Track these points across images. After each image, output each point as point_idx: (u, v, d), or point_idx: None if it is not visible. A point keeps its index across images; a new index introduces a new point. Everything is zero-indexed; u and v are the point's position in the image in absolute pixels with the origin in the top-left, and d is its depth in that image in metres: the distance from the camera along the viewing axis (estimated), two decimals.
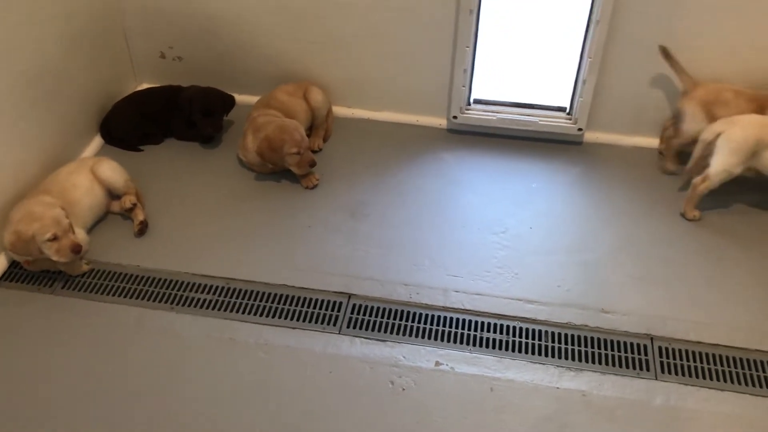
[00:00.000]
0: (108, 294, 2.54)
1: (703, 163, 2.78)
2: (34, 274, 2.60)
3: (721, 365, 2.30)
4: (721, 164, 2.72)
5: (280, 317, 2.46)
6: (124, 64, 3.41)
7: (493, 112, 3.21)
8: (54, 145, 2.88)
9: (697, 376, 2.27)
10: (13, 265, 2.63)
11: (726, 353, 2.34)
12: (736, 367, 2.30)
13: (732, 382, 2.26)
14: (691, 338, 2.38)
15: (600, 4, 2.80)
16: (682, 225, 2.83)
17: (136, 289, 2.55)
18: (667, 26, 2.89)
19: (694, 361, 2.32)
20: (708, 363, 2.31)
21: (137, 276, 2.60)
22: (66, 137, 2.98)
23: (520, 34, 3.04)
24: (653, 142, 3.21)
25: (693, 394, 2.22)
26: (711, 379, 2.27)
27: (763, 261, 2.67)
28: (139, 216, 2.77)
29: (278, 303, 2.51)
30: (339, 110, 3.40)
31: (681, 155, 3.02)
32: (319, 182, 3.00)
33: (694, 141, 2.86)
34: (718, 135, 2.72)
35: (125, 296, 2.53)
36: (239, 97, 3.31)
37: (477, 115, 3.21)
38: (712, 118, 2.83)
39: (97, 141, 3.20)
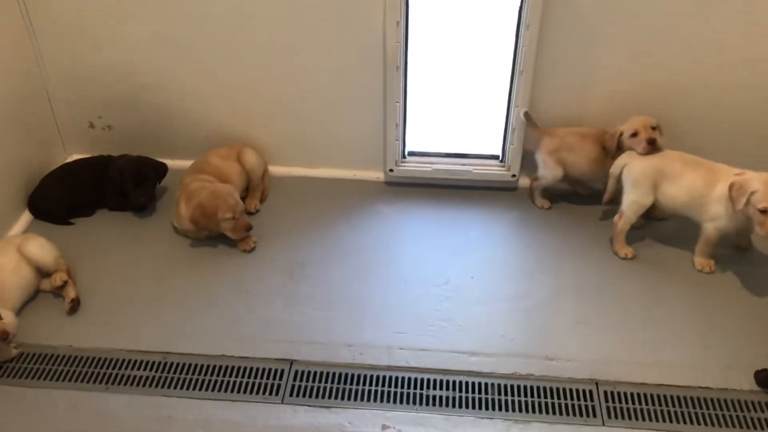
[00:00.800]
0: (39, 378, 2.42)
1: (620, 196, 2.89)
2: None
3: (667, 405, 2.31)
4: (629, 197, 2.84)
5: (219, 390, 2.38)
6: (52, 136, 3.34)
7: (428, 163, 3.23)
8: None
9: (643, 419, 2.27)
10: None
11: (671, 392, 2.34)
12: (681, 407, 2.31)
13: (678, 422, 2.26)
14: (635, 380, 2.39)
15: (522, 55, 2.87)
16: (617, 264, 2.87)
17: (68, 371, 2.45)
18: (587, 72, 2.98)
19: (640, 403, 2.32)
20: (653, 404, 2.32)
21: (69, 357, 2.50)
22: None
23: (449, 86, 3.08)
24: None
25: None
26: (657, 420, 2.27)
27: (700, 292, 2.72)
28: (71, 293, 2.67)
29: (217, 375, 2.43)
30: (275, 169, 3.38)
31: (547, 192, 3.20)
32: (256, 245, 2.96)
33: (555, 182, 3.09)
34: (622, 168, 2.82)
35: (57, 379, 2.42)
36: (172, 163, 3.26)
37: (412, 167, 3.23)
38: (563, 164, 3.02)
39: (26, 216, 3.11)
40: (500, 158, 3.23)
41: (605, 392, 2.36)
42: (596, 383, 2.39)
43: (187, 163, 3.20)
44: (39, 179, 3.15)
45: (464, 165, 3.21)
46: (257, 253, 2.95)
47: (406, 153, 3.25)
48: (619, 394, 2.35)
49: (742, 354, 2.46)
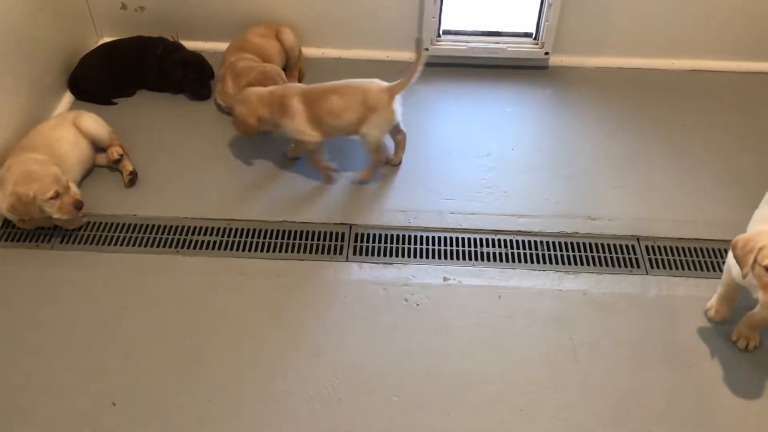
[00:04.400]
0: (110, 244, 2.54)
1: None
2: (30, 231, 2.57)
3: (703, 256, 2.50)
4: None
5: (286, 251, 2.51)
6: (84, 18, 3.32)
7: (463, 42, 3.29)
8: (24, 107, 2.81)
9: (683, 268, 2.46)
10: (5, 225, 2.59)
11: (706, 246, 2.53)
12: (716, 257, 2.50)
13: (714, 270, 2.45)
14: (673, 235, 2.57)
15: None
16: (652, 133, 3.00)
17: (137, 237, 2.56)
18: None
19: (679, 255, 2.51)
20: (691, 256, 2.50)
21: (136, 225, 2.60)
22: (35, 97, 2.90)
23: None
24: (615, 62, 3.35)
25: (681, 284, 2.41)
26: (696, 269, 2.46)
27: (726, 157, 2.88)
28: (128, 166, 2.75)
29: (282, 238, 2.56)
30: (309, 51, 3.40)
31: None
32: None
33: None
34: None
35: (128, 245, 2.54)
36: (206, 45, 3.29)
37: (448, 45, 3.28)
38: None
39: (68, 98, 3.14)
40: (534, 36, 3.29)
41: (647, 246, 2.54)
42: (638, 239, 2.56)
43: (221, 45, 3.22)
44: (76, 61, 3.16)
45: (498, 43, 3.27)
46: None
47: (441, 32, 3.30)
48: (659, 247, 2.53)
49: None
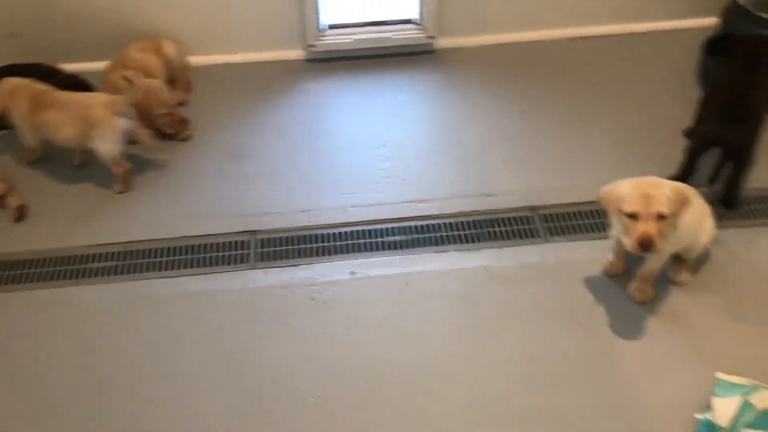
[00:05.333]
0: (5, 284, 2.44)
1: None
2: None
3: (598, 218, 2.59)
4: None
5: (189, 267, 2.48)
6: None
7: (348, 34, 3.30)
8: None
9: (579, 232, 2.56)
10: None
11: (599, 207, 2.61)
12: (597, 219, 2.59)
13: (605, 230, 2.55)
14: (567, 201, 2.66)
15: None
16: (537, 108, 3.09)
17: (34, 273, 2.48)
18: None
19: (574, 220, 2.60)
20: (586, 219, 2.60)
21: (31, 260, 2.52)
22: None
23: None
24: (498, 38, 3.42)
25: (579, 248, 2.50)
26: (592, 231, 2.55)
27: (613, 120, 2.99)
28: (14, 201, 2.65)
29: (184, 254, 2.52)
30: (195, 59, 3.34)
31: None
32: (192, 134, 2.99)
33: None
34: None
35: (25, 282, 2.45)
36: (85, 65, 3.19)
37: (333, 39, 3.29)
38: None
39: None
40: (417, 21, 3.33)
41: (542, 215, 2.62)
42: (533, 209, 2.64)
43: (102, 65, 3.13)
44: None
45: (383, 32, 3.30)
46: (194, 142, 2.98)
47: (326, 26, 3.30)
48: (555, 215, 2.62)
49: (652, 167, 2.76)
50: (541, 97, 3.13)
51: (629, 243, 2.03)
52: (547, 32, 3.45)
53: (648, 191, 1.99)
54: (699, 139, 2.52)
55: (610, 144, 2.89)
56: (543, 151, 2.87)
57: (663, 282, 2.36)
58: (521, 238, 2.55)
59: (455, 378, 2.14)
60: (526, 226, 2.59)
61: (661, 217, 1.99)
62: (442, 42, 3.40)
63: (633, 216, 2.00)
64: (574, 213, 2.62)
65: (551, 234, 2.55)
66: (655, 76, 3.21)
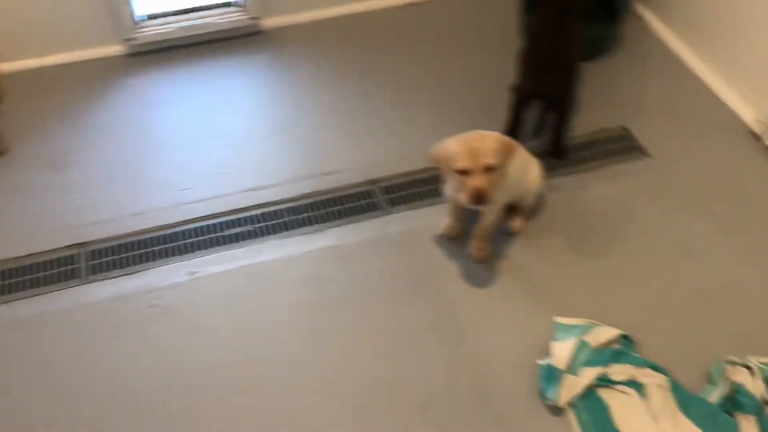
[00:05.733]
0: None
1: None
2: None
3: (435, 184, 2.61)
4: None
5: (15, 291, 2.29)
6: None
7: (169, 23, 3.14)
8: None
9: (418, 200, 2.57)
10: None
11: (435, 173, 2.64)
12: (435, 184, 2.61)
13: (439, 196, 2.57)
14: (404, 170, 2.66)
15: None
16: (369, 80, 3.07)
17: None
18: None
19: (413, 188, 2.61)
20: (423, 186, 2.61)
21: None
22: None
23: None
24: (326, 12, 3.36)
25: (419, 215, 2.52)
26: (430, 197, 2.57)
27: (443, 86, 3.02)
28: None
29: (7, 278, 2.33)
30: (6, 66, 3.07)
31: None
32: (8, 149, 2.76)
33: None
34: None
35: None
36: None
37: (154, 30, 3.12)
38: None
39: None
40: (240, 3, 3.21)
41: (383, 188, 2.61)
42: (373, 182, 2.63)
43: None
44: None
45: (205, 18, 3.17)
46: (11, 156, 2.74)
47: (144, 16, 3.12)
48: (394, 186, 2.62)
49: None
50: (374, 69, 3.11)
51: (463, 198, 2.06)
52: (377, 2, 3.42)
53: (474, 145, 2.02)
54: (520, 93, 2.59)
55: (443, 107, 2.92)
56: (379, 123, 2.86)
57: (502, 237, 2.42)
58: (364, 212, 2.53)
59: (307, 365, 2.11)
60: (368, 200, 2.57)
61: (489, 168, 2.02)
62: (269, 22, 3.30)
63: (464, 172, 2.02)
64: (412, 181, 2.63)
65: (392, 205, 2.55)
66: (481, 36, 3.27)
